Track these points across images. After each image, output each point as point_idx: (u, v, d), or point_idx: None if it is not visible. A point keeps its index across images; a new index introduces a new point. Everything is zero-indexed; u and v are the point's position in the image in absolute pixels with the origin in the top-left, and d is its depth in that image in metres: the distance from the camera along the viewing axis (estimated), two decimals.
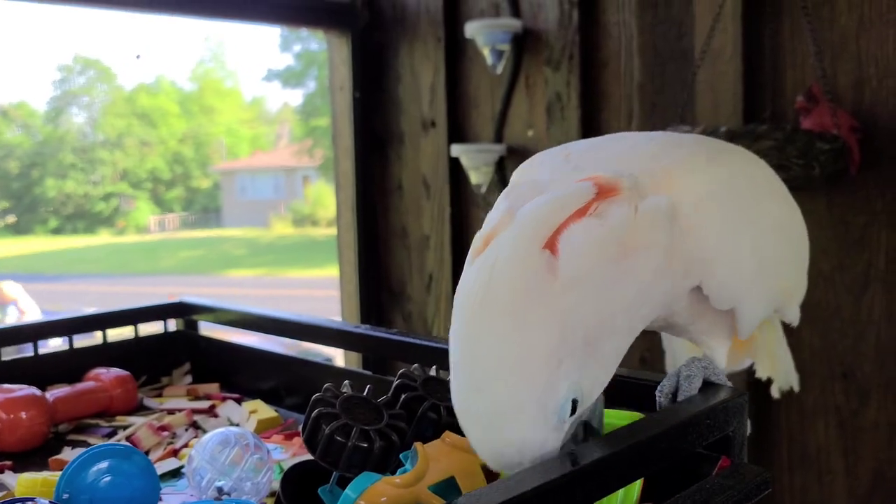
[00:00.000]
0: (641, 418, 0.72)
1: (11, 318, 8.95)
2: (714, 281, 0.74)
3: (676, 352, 1.16)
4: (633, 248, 0.65)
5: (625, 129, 2.00)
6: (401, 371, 0.84)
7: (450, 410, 0.80)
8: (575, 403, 0.64)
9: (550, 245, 0.61)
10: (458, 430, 0.77)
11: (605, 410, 0.75)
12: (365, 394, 0.78)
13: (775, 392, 1.09)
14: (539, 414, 0.61)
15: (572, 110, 2.03)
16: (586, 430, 0.69)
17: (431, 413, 0.79)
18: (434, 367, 0.92)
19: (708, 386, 0.83)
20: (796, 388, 1.07)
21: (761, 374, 1.06)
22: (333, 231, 2.78)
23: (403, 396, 0.80)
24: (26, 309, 9.05)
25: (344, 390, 0.77)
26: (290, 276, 19.92)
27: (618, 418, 0.73)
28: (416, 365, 0.87)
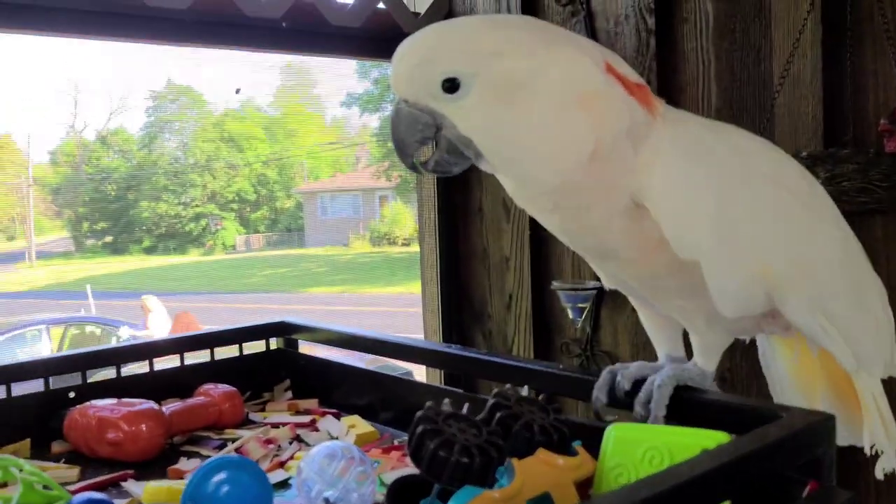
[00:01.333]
0: (729, 441, 0.76)
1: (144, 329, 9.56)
2: (663, 213, 0.85)
3: (776, 379, 1.17)
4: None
5: None
6: (495, 391, 0.90)
7: (542, 429, 0.86)
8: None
9: None
10: (551, 448, 0.84)
11: (692, 430, 0.80)
12: (464, 412, 0.85)
13: (879, 473, 1.02)
14: None
15: None
16: None
17: (525, 431, 0.85)
18: (526, 386, 0.98)
19: (791, 410, 0.84)
20: None
21: (867, 445, 1.03)
22: (409, 249, 2.86)
23: (498, 414, 0.86)
24: (156, 323, 9.61)
25: (444, 408, 0.84)
26: (369, 293, 20.23)
27: (705, 438, 0.77)
28: (508, 385, 0.93)
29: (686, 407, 0.94)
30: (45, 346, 11.05)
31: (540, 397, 0.91)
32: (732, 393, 1.97)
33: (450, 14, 2.57)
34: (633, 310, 2.11)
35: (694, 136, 0.90)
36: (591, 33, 2.21)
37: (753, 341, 1.93)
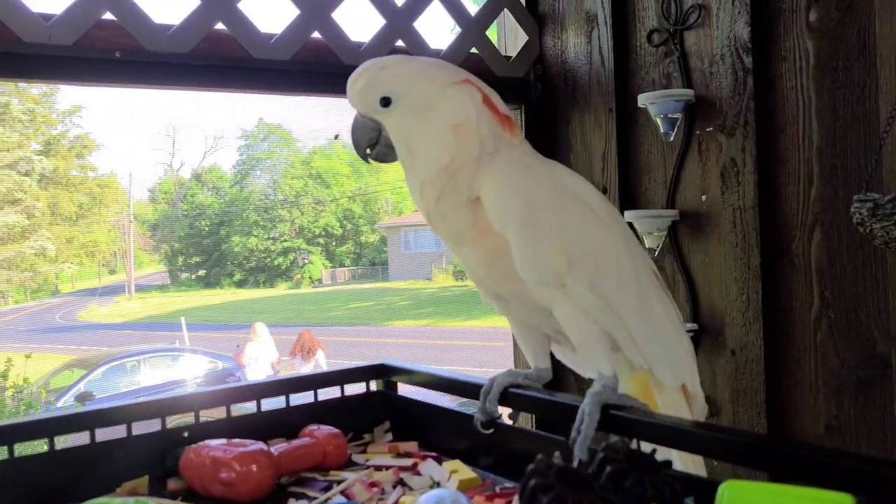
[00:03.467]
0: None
1: (251, 354, 9.97)
2: (489, 203, 1.17)
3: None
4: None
5: (804, 194, 1.98)
6: (604, 444, 0.91)
7: (654, 484, 0.86)
8: None
9: None
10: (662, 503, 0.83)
11: (812, 490, 0.78)
12: (574, 465, 0.85)
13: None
14: None
15: (748, 175, 2.03)
16: None
17: (636, 487, 0.85)
18: (635, 439, 0.98)
19: None
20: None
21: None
22: None
23: (608, 469, 0.87)
24: (253, 353, 9.98)
25: (555, 461, 0.85)
26: (452, 326, 20.29)
27: (827, 501, 0.75)
28: (617, 438, 0.93)
29: (796, 461, 0.91)
30: (143, 376, 11.57)
31: (651, 451, 0.91)
32: (840, 443, 1.90)
33: (541, 56, 2.61)
34: (732, 352, 2.08)
35: (526, 158, 1.24)
36: (686, 73, 2.20)
37: (861, 389, 1.86)
